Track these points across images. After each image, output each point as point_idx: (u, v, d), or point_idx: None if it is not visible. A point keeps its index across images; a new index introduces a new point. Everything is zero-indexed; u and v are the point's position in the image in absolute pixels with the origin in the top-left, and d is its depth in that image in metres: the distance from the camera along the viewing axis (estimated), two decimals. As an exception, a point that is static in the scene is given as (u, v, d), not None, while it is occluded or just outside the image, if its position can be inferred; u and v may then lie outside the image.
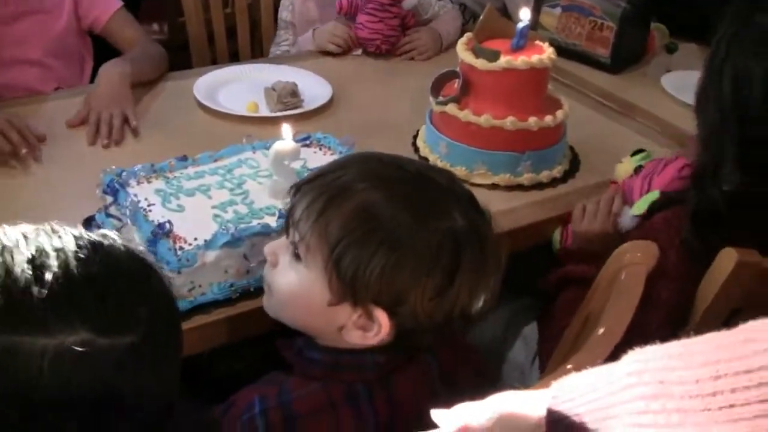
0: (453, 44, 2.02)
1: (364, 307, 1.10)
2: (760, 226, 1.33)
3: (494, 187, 1.76)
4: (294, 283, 1.16)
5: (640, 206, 1.52)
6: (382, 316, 1.10)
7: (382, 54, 2.45)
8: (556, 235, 1.72)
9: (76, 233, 0.83)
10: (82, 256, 0.79)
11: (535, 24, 2.46)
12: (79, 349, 0.74)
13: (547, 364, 1.50)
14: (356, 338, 1.13)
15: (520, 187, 1.77)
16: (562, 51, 2.38)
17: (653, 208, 1.47)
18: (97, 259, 0.80)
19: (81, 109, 1.95)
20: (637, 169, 1.65)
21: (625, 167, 1.69)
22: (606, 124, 2.14)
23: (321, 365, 1.17)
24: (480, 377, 1.30)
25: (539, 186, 1.78)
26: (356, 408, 1.15)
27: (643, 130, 2.10)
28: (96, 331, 0.76)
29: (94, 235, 0.84)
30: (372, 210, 1.09)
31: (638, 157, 1.69)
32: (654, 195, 1.51)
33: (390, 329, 1.11)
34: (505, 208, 1.70)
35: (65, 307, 0.76)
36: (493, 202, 1.69)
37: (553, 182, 1.80)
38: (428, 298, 1.09)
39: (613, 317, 1.21)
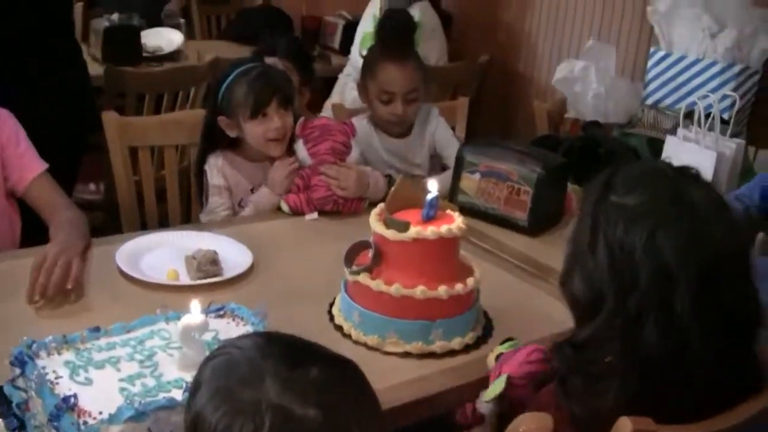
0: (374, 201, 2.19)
1: None
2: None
3: (406, 355, 1.78)
4: None
5: (490, 392, 1.55)
6: None
7: (338, 213, 2.52)
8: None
9: None
10: None
11: (455, 189, 2.55)
12: None
13: None
14: None
15: (432, 355, 1.79)
16: (481, 215, 2.48)
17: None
18: None
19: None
20: (498, 357, 1.69)
21: (493, 356, 1.71)
22: (521, 287, 2.18)
23: None
24: None
25: (451, 353, 1.80)
26: None
27: (558, 293, 2.13)
28: None
29: None
30: None
31: (505, 345, 1.71)
32: (502, 380, 1.54)
33: None
34: (416, 376, 1.73)
35: None
36: (405, 371, 1.74)
37: (466, 348, 1.82)
38: None
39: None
